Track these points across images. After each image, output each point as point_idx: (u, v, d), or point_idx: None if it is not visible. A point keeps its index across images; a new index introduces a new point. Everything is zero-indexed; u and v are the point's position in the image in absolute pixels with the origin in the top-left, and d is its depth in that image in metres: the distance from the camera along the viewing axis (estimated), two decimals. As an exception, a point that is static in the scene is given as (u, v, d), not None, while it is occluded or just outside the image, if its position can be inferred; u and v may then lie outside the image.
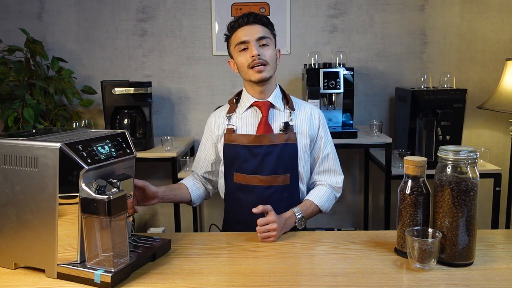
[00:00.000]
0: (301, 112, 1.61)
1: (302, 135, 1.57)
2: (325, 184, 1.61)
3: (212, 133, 1.63)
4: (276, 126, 1.56)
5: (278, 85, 1.63)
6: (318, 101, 2.35)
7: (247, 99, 1.59)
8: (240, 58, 1.53)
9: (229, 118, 1.59)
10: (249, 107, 1.58)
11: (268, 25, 1.56)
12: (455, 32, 2.72)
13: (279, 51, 1.61)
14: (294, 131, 1.55)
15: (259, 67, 1.50)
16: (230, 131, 1.56)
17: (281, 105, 1.59)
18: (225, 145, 1.56)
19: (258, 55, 1.49)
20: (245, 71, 1.53)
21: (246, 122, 1.57)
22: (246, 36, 1.50)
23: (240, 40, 1.51)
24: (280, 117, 1.58)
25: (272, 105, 1.57)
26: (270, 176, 1.51)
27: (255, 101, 1.57)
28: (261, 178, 1.51)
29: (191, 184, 1.65)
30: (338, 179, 1.64)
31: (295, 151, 1.54)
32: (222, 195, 1.63)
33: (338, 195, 1.64)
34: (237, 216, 1.57)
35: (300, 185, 1.58)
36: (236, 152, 1.53)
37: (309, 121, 1.59)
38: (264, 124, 1.54)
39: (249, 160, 1.52)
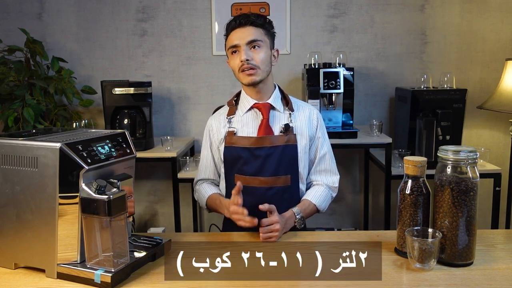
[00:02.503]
0: (300, 113, 1.61)
1: (302, 136, 1.58)
2: (322, 184, 1.62)
3: (214, 137, 1.63)
4: (277, 127, 1.56)
5: (277, 86, 1.63)
6: (318, 101, 2.35)
7: (246, 101, 1.59)
8: (232, 61, 1.53)
9: (229, 120, 1.59)
10: (249, 109, 1.58)
11: (263, 25, 1.53)
12: (455, 32, 2.72)
13: (277, 50, 1.60)
14: (294, 133, 1.55)
15: (249, 71, 1.50)
16: (231, 134, 1.56)
17: (281, 107, 1.60)
18: (226, 148, 1.56)
19: (247, 60, 1.48)
20: (237, 74, 1.54)
21: (246, 124, 1.57)
22: (237, 39, 1.50)
23: (231, 44, 1.51)
24: (280, 119, 1.58)
25: (272, 107, 1.58)
26: (271, 177, 1.52)
27: (255, 103, 1.57)
28: (262, 179, 1.52)
29: (217, 190, 1.64)
30: (334, 179, 1.65)
31: (296, 152, 1.54)
32: (224, 197, 1.63)
33: (334, 194, 1.66)
34: None
35: (300, 185, 1.59)
36: (237, 154, 1.53)
37: (308, 122, 1.60)
38: (265, 126, 1.54)
39: (250, 162, 1.52)
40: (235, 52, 1.52)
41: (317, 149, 1.63)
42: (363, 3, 2.72)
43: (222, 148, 1.58)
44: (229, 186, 1.58)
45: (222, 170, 1.61)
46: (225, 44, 1.58)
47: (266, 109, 1.56)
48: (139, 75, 2.85)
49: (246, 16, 1.51)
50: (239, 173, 1.54)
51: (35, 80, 2.50)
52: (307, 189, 1.63)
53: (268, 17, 1.62)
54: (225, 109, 1.65)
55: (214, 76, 2.83)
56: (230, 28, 1.52)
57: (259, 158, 1.51)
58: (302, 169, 1.57)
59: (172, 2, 2.77)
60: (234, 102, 1.63)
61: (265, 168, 1.51)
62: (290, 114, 1.58)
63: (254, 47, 1.50)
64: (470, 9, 2.70)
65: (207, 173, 1.67)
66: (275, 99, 1.59)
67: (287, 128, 1.54)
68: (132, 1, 2.77)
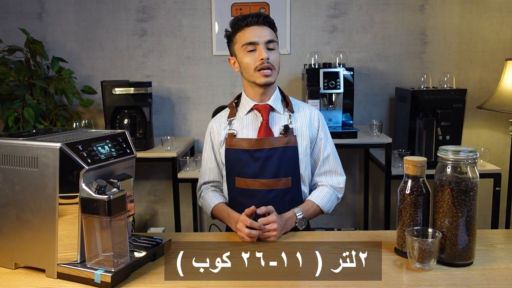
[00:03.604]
0: (300, 114, 1.60)
1: (303, 137, 1.57)
2: (327, 185, 1.61)
3: (215, 139, 1.62)
4: (276, 129, 1.55)
5: (277, 87, 1.62)
6: (318, 101, 2.35)
7: (247, 102, 1.58)
8: (247, 59, 1.50)
9: (230, 122, 1.59)
10: (250, 110, 1.58)
11: (274, 27, 1.55)
12: (455, 32, 2.72)
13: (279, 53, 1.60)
14: (294, 134, 1.55)
15: (266, 71, 1.48)
16: (231, 136, 1.55)
17: (281, 108, 1.59)
18: (226, 150, 1.55)
19: (268, 58, 1.47)
20: (251, 73, 1.50)
21: (246, 126, 1.57)
22: (256, 37, 1.48)
23: (249, 41, 1.48)
24: (280, 120, 1.57)
25: (272, 108, 1.57)
26: (272, 179, 1.51)
27: (255, 105, 1.56)
28: (262, 182, 1.51)
29: (223, 198, 1.63)
30: (339, 179, 1.63)
31: (296, 153, 1.54)
32: (226, 199, 1.63)
33: (340, 195, 1.64)
34: None
35: (303, 187, 1.58)
36: (237, 157, 1.53)
37: (309, 123, 1.59)
38: (265, 128, 1.54)
39: (250, 164, 1.51)
40: (251, 50, 1.49)
41: (320, 150, 1.61)
42: (363, 3, 2.72)
43: (222, 150, 1.58)
44: (230, 188, 1.57)
45: (224, 173, 1.61)
46: (234, 41, 1.54)
47: (265, 111, 1.55)
48: (139, 75, 2.85)
49: (264, 16, 1.50)
50: (239, 175, 1.53)
51: (35, 80, 2.50)
52: (312, 190, 1.62)
53: None
54: (226, 111, 1.64)
55: (214, 76, 2.83)
56: (244, 24, 1.49)
57: (259, 160, 1.51)
58: (303, 170, 1.56)
59: (172, 2, 2.77)
60: (234, 104, 1.62)
61: (265, 170, 1.51)
62: (290, 115, 1.58)
63: (270, 47, 1.50)
64: (470, 9, 2.70)
65: (211, 176, 1.65)
66: (275, 101, 1.58)
67: (286, 130, 1.53)
68: (132, 1, 2.78)
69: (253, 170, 1.51)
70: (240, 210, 1.46)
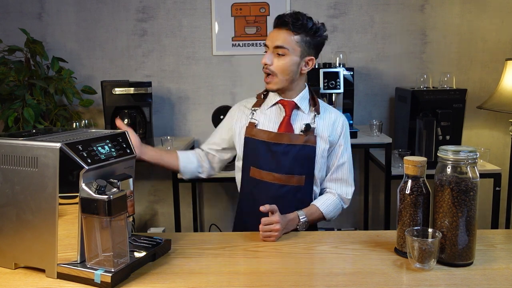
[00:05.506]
0: (325, 116, 1.59)
1: (322, 139, 1.56)
2: (334, 193, 1.60)
3: (233, 120, 1.64)
4: (298, 126, 1.56)
5: (307, 87, 1.61)
6: (318, 101, 2.35)
7: (273, 96, 1.60)
8: (263, 59, 1.54)
9: (253, 112, 1.60)
10: (274, 104, 1.59)
11: (300, 31, 1.47)
12: (455, 32, 2.72)
13: (312, 59, 1.53)
14: (315, 134, 1.54)
15: (267, 77, 1.52)
16: (252, 125, 1.57)
17: (306, 107, 1.58)
18: (246, 138, 1.57)
19: (266, 64, 1.50)
20: None
21: (268, 119, 1.58)
22: (269, 40, 1.52)
23: (265, 42, 1.54)
24: (303, 119, 1.57)
25: (296, 106, 1.57)
26: (286, 175, 1.52)
27: (281, 99, 1.58)
28: (276, 176, 1.52)
29: (184, 155, 1.68)
30: (348, 190, 1.62)
31: (313, 153, 1.53)
32: (239, 189, 1.64)
33: (345, 206, 1.63)
34: (249, 210, 1.57)
35: (315, 188, 1.58)
36: (255, 147, 1.54)
37: (331, 127, 1.58)
38: (286, 123, 1.54)
39: (266, 156, 1.53)
40: (266, 52, 1.54)
41: (336, 156, 1.60)
42: (363, 3, 2.72)
43: (241, 138, 1.59)
44: (245, 178, 1.59)
45: (237, 163, 1.63)
46: None
47: (290, 107, 1.56)
48: (139, 75, 2.84)
49: (284, 20, 1.48)
50: (255, 166, 1.55)
51: (35, 80, 2.50)
52: (320, 194, 1.62)
53: (317, 22, 1.52)
54: (253, 99, 1.67)
55: (214, 76, 2.83)
56: (273, 25, 1.53)
57: (276, 154, 1.52)
58: (317, 172, 1.56)
59: (172, 2, 2.77)
60: (262, 96, 1.64)
61: (280, 165, 1.52)
62: (314, 115, 1.57)
63: (279, 53, 1.50)
64: (470, 9, 2.70)
65: (207, 144, 1.70)
66: (301, 99, 1.58)
67: (307, 129, 1.53)
68: (132, 1, 2.77)
69: (269, 163, 1.52)
70: (251, 200, 1.51)
